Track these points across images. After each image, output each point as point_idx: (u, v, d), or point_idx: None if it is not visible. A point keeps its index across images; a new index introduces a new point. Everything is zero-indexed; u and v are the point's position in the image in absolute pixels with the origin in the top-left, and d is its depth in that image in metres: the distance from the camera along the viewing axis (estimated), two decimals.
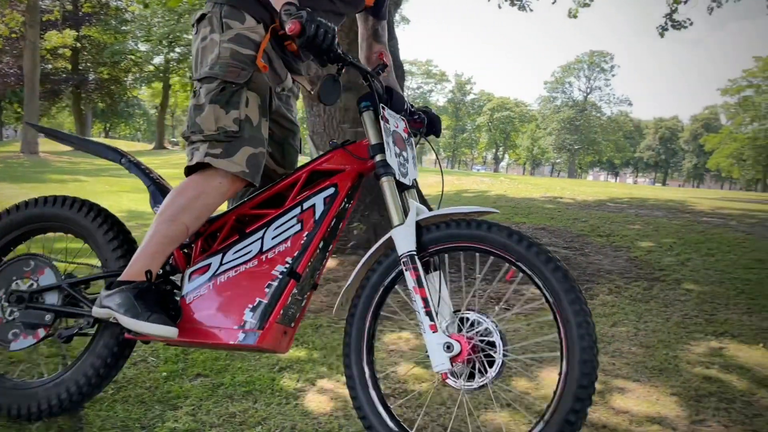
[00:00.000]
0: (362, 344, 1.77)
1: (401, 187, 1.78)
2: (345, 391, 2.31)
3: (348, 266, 4.14)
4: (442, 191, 1.97)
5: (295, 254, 1.80)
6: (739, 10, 43.27)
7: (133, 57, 35.77)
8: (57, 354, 2.51)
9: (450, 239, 1.69)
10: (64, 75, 33.04)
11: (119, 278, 1.80)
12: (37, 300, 1.98)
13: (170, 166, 16.36)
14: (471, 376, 1.62)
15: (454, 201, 8.89)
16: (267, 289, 1.79)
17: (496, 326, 1.62)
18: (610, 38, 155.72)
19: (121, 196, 9.64)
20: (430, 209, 1.81)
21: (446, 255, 1.76)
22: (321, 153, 1.92)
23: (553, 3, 9.93)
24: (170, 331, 1.71)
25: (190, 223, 1.79)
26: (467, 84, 73.03)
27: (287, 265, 1.79)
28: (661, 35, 11.80)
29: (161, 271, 1.88)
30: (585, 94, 63.85)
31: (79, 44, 31.41)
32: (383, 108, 1.80)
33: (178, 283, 1.91)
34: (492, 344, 1.61)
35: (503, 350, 1.60)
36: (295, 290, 1.81)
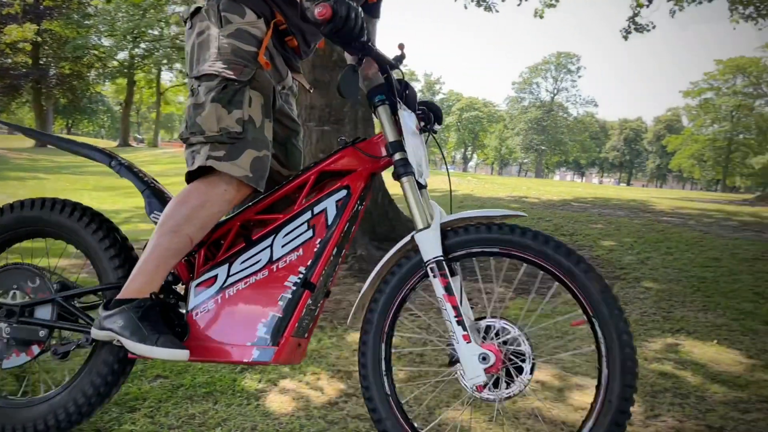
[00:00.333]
0: (380, 351, 1.67)
1: (418, 187, 1.68)
2: (307, 391, 2.31)
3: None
4: (450, 192, 1.90)
5: (309, 263, 1.69)
6: (701, 14, 44.45)
7: (96, 52, 35.05)
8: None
9: (477, 243, 1.61)
10: (24, 70, 32.09)
11: (119, 296, 1.66)
12: (30, 314, 1.83)
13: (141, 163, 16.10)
14: (495, 384, 1.57)
15: None
16: (280, 302, 1.68)
17: (524, 333, 1.57)
18: (577, 40, 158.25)
19: (83, 195, 9.45)
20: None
21: (473, 260, 1.68)
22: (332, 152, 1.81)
23: (519, 5, 10.04)
24: (182, 355, 1.58)
25: (194, 234, 1.66)
26: (436, 84, 73.50)
27: (300, 276, 1.68)
28: (625, 38, 12.05)
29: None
30: (552, 95, 64.79)
31: (40, 38, 30.54)
32: (400, 103, 1.69)
33: (180, 293, 1.80)
34: (519, 353, 1.56)
35: (532, 356, 1.56)
36: (309, 301, 1.70)
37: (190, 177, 1.69)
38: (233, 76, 1.63)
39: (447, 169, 2.17)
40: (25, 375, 2.17)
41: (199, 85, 1.67)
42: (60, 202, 1.90)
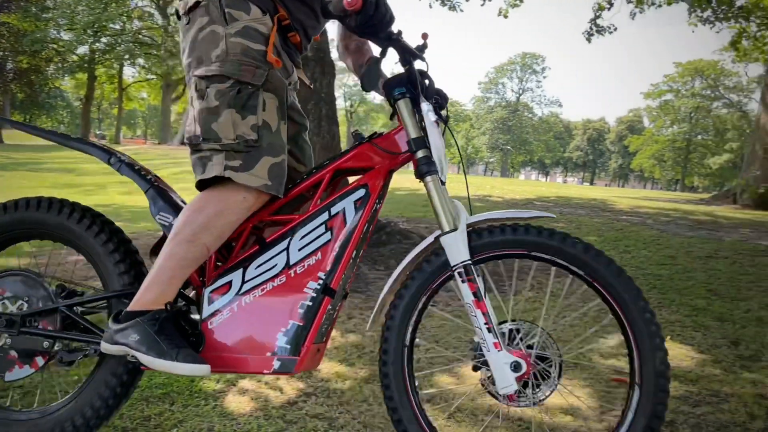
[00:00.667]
0: (403, 354, 1.62)
1: None
2: (266, 391, 2.30)
3: None
4: (468, 192, 1.80)
5: (328, 268, 1.61)
6: (661, 17, 45.51)
7: (55, 46, 34.11)
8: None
9: (503, 245, 1.56)
10: None
11: (130, 308, 1.58)
12: (32, 324, 1.73)
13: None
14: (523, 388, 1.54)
15: (388, 199, 8.91)
16: (300, 310, 1.60)
17: (548, 334, 1.55)
18: (542, 41, 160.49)
19: (40, 192, 9.20)
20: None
21: (500, 262, 1.62)
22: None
23: (483, 5, 10.14)
24: (203, 370, 1.51)
25: (211, 243, 1.58)
26: None
27: (320, 281, 1.60)
28: (588, 40, 12.28)
29: None
30: (517, 95, 65.56)
31: None
32: (421, 96, 1.60)
33: (190, 297, 1.73)
34: (545, 357, 1.53)
35: (560, 359, 1.54)
36: (329, 306, 1.63)
37: (202, 184, 1.62)
38: (246, 79, 1.55)
39: (464, 168, 2.07)
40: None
41: (207, 87, 1.57)
42: (57, 201, 1.79)
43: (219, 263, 1.70)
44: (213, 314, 1.63)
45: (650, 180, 65.23)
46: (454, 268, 1.54)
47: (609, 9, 11.66)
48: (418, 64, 1.64)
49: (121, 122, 44.69)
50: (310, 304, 1.60)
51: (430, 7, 10.30)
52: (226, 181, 1.57)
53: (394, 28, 1.58)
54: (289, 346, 1.59)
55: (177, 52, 32.83)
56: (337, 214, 1.63)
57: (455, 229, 1.55)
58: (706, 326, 3.30)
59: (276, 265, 1.63)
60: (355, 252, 1.64)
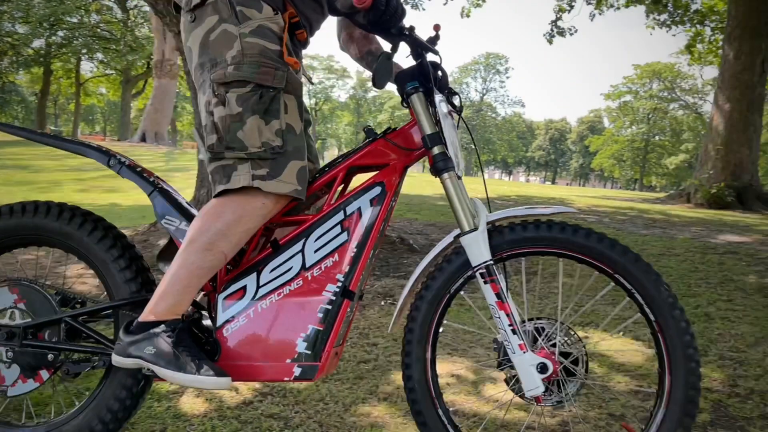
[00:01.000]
0: (425, 356, 1.59)
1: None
2: (221, 392, 2.27)
3: None
4: (486, 190, 1.76)
5: (346, 270, 1.56)
6: (621, 20, 46.48)
7: (9, 39, 33.06)
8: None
9: (526, 243, 1.53)
10: None
11: (143, 318, 1.51)
12: (34, 336, 1.65)
13: (56, 157, 15.34)
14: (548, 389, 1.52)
15: None
16: (320, 314, 1.55)
17: (570, 330, 1.53)
18: (505, 42, 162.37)
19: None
20: None
21: (523, 259, 1.59)
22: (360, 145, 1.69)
23: (445, 4, 10.21)
24: (225, 383, 1.45)
25: (228, 250, 1.52)
26: (368, 81, 73.53)
27: (339, 284, 1.55)
28: (550, 42, 12.49)
29: None
30: (481, 95, 66.31)
31: None
32: (435, 90, 1.55)
33: (203, 303, 1.67)
34: (568, 353, 1.51)
35: (585, 354, 1.52)
36: (348, 309, 1.59)
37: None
38: (267, 83, 1.49)
39: (481, 165, 2.02)
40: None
41: (227, 92, 1.50)
42: (56, 205, 1.70)
43: (230, 267, 1.64)
44: (228, 321, 1.57)
45: (610, 179, 66.66)
46: (476, 269, 1.52)
47: (569, 11, 11.88)
48: (430, 57, 1.61)
49: (79, 118, 43.55)
50: (330, 307, 1.55)
51: None
52: (246, 187, 1.51)
53: (406, 22, 1.54)
54: (309, 352, 1.54)
55: (137, 47, 32.23)
56: (353, 213, 1.58)
57: (475, 229, 1.52)
58: None
59: (291, 267, 1.58)
60: (372, 252, 1.60)
